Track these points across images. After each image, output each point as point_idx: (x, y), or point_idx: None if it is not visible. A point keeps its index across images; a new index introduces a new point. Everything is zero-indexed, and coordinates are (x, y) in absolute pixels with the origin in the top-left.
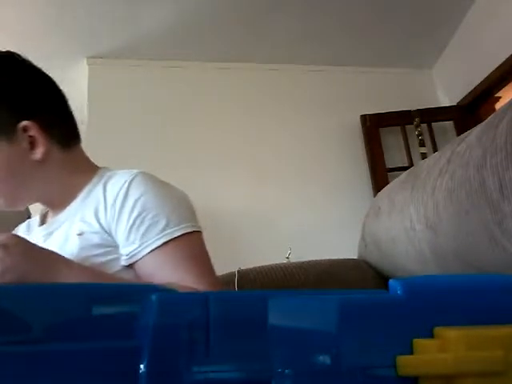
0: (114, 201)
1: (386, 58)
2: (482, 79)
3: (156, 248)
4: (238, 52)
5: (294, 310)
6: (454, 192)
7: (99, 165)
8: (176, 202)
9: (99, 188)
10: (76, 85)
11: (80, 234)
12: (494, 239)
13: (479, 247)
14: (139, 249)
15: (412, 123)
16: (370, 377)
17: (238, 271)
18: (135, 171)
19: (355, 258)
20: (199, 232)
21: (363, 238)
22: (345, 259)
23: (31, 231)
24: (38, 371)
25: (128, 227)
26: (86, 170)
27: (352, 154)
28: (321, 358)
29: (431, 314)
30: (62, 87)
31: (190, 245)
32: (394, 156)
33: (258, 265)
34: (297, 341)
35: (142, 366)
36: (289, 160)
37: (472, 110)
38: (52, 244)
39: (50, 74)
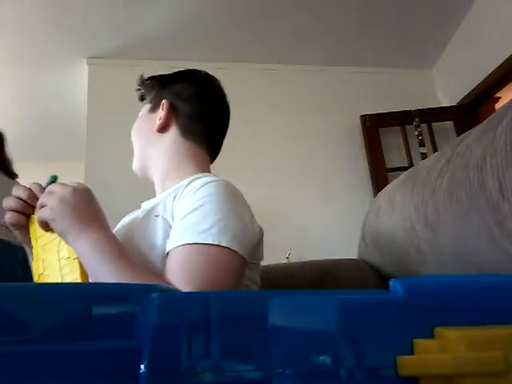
0: (187, 193)
1: (386, 58)
2: (482, 79)
3: (184, 245)
4: (237, 52)
5: (294, 310)
6: (454, 192)
7: (99, 165)
8: (234, 217)
9: (186, 182)
10: (76, 85)
11: (157, 216)
12: (494, 239)
13: (479, 247)
14: (173, 242)
15: (412, 123)
16: (370, 377)
17: None
18: (221, 178)
19: (355, 258)
20: (238, 254)
21: (363, 238)
22: (345, 259)
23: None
24: (38, 371)
25: (179, 219)
26: (192, 165)
27: (352, 154)
28: (321, 358)
29: (431, 314)
30: (62, 87)
31: (215, 257)
32: (393, 156)
33: None
34: (297, 341)
35: (142, 366)
36: (288, 160)
37: (472, 109)
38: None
39: (50, 74)
